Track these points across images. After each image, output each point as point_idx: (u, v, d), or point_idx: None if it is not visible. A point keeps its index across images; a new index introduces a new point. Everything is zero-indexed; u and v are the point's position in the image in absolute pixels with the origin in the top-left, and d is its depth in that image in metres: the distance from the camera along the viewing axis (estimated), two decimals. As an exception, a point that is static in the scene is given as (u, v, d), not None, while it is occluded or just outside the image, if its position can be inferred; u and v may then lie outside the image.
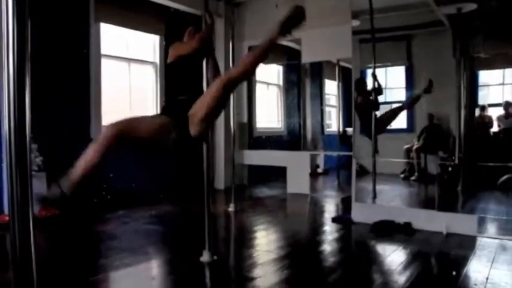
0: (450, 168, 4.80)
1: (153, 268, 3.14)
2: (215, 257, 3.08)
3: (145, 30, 5.78)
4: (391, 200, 4.90)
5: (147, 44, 5.95)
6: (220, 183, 6.48)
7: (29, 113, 1.16)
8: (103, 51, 5.26)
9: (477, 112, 5.46)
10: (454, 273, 2.79)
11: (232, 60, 5.04)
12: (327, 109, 8.03)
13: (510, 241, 3.57)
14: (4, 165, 3.92)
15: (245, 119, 6.94)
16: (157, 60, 5.98)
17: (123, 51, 5.65)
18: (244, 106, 6.95)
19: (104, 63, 5.30)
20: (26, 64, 1.16)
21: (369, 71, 5.16)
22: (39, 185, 4.21)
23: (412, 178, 5.55)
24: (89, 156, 2.31)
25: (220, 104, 2.50)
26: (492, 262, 3.02)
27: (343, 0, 4.92)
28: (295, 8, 2.49)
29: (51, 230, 4.03)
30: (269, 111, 7.82)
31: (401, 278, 2.74)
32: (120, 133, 2.33)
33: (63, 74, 4.81)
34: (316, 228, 4.42)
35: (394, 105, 5.82)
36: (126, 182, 5.45)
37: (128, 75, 5.72)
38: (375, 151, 4.88)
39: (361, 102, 4.97)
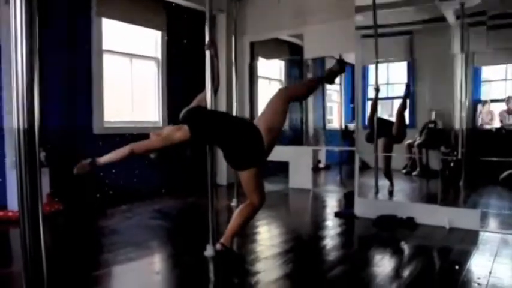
0: (452, 164, 4.79)
1: (157, 262, 3.16)
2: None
3: (147, 26, 5.78)
4: (394, 194, 4.90)
5: (149, 40, 5.94)
6: (222, 179, 6.49)
7: (39, 109, 1.17)
8: (105, 46, 5.26)
9: (479, 107, 5.45)
10: (457, 267, 2.80)
11: (234, 55, 5.02)
12: (328, 104, 8.01)
13: (512, 236, 3.58)
14: (7, 160, 3.92)
15: (247, 114, 6.94)
16: (159, 55, 5.98)
17: (124, 46, 5.65)
18: (247, 101, 6.95)
19: (106, 58, 5.30)
20: (34, 61, 1.17)
21: (371, 67, 5.15)
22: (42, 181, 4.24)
23: (414, 173, 5.54)
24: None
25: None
26: (495, 256, 3.03)
27: (346, -5, 4.91)
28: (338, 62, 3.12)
29: (56, 225, 4.05)
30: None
31: (404, 273, 2.75)
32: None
33: (65, 69, 4.82)
34: (318, 223, 4.43)
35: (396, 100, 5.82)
36: (128, 177, 5.46)
37: (130, 70, 5.72)
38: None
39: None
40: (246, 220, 2.87)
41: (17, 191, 1.16)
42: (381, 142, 4.83)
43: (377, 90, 5.02)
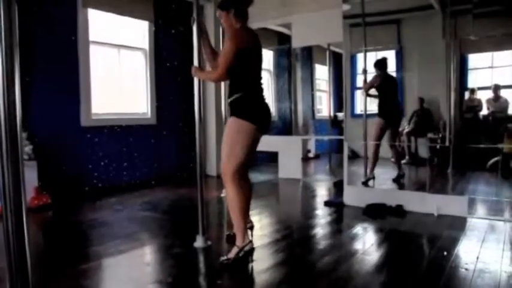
0: (440, 151, 4.83)
1: (148, 254, 3.15)
2: (209, 242, 3.10)
3: (134, 16, 5.71)
4: (383, 183, 4.94)
5: (136, 30, 5.87)
6: (212, 170, 6.48)
7: (19, 102, 1.15)
8: (91, 37, 5.19)
9: (466, 95, 5.48)
10: (445, 253, 2.83)
11: (222, 44, 4.99)
12: (317, 94, 8.02)
13: (499, 221, 3.63)
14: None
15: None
16: (146, 46, 5.92)
17: (112, 37, 5.58)
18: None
19: (93, 49, 5.23)
20: (14, 51, 1.15)
21: (359, 55, 5.16)
22: (29, 174, 4.19)
23: (403, 161, 5.58)
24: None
25: None
26: (482, 242, 3.08)
27: (333, -17, 4.89)
28: None
29: (44, 218, 4.02)
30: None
31: (393, 260, 2.77)
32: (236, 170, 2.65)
33: (51, 61, 4.75)
34: (308, 212, 4.45)
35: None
36: (117, 170, 5.44)
37: (118, 61, 5.66)
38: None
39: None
40: (236, 204, 2.70)
41: (0, 185, 1.15)
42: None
43: (365, 71, 5.02)
